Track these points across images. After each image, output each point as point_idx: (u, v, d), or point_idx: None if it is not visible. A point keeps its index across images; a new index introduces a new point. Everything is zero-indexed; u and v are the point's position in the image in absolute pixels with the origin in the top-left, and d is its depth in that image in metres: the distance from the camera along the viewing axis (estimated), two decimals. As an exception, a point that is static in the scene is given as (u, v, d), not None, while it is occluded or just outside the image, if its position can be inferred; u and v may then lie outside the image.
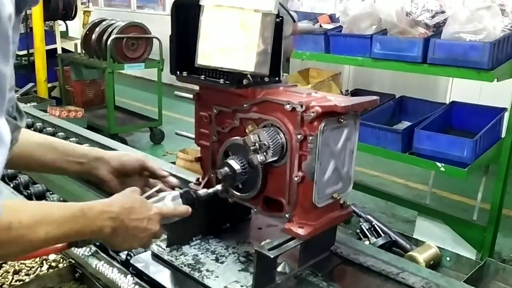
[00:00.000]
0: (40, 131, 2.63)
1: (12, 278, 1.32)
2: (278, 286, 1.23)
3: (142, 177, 1.35)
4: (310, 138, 1.14)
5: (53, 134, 2.57)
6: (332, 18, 3.92)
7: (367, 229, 1.73)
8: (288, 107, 1.16)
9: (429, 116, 3.08)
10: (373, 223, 1.75)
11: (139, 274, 1.32)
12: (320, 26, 3.84)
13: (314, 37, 3.52)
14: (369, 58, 3.18)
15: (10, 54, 0.79)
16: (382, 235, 1.71)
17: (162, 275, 1.30)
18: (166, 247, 1.39)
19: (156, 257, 1.37)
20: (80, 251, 1.40)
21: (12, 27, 0.79)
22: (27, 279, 1.31)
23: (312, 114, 1.12)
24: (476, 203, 3.52)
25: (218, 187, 1.32)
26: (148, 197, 1.18)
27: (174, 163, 3.21)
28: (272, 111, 1.21)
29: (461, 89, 4.60)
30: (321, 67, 4.03)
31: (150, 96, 7.25)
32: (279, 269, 1.28)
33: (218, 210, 1.48)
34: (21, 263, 1.38)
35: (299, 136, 1.15)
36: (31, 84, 5.82)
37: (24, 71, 6.48)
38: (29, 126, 2.71)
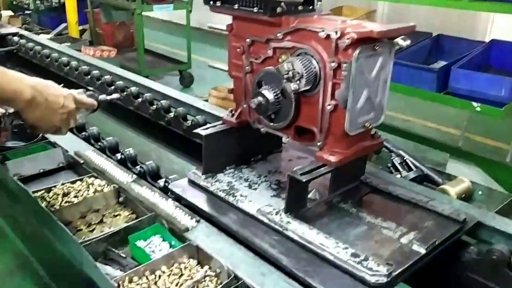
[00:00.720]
0: (76, 69, 2.69)
1: (62, 200, 1.41)
2: (309, 211, 1.29)
3: None
4: (344, 65, 1.14)
5: (88, 73, 2.63)
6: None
7: (398, 164, 1.74)
8: (322, 34, 1.15)
9: (467, 55, 2.98)
10: (405, 158, 1.75)
11: (177, 199, 1.39)
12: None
13: (348, -27, 3.39)
14: (405, -7, 3.06)
15: None
16: (414, 169, 1.72)
17: (198, 199, 1.37)
18: (202, 174, 1.46)
19: (192, 183, 1.44)
20: (123, 178, 1.48)
21: None
22: (75, 201, 1.40)
23: (347, 41, 1.11)
24: (510, 146, 3.47)
25: (114, 96, 1.57)
26: None
27: (206, 100, 3.25)
28: (306, 39, 1.20)
29: (503, 27, 4.38)
30: (354, 4, 3.90)
31: (178, 40, 7.22)
32: (310, 195, 1.33)
33: (250, 141, 1.52)
34: (69, 187, 1.47)
35: (333, 64, 1.15)
36: (64, 25, 5.88)
37: (56, 13, 6.53)
38: (65, 65, 2.78)
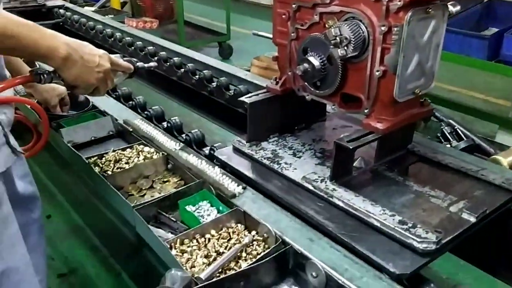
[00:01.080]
0: (120, 40, 2.74)
1: (114, 166, 1.46)
2: (354, 178, 1.28)
3: None
4: (395, 29, 1.10)
5: (132, 44, 2.67)
6: None
7: (448, 133, 1.69)
8: (372, -3, 1.12)
9: (521, 21, 2.82)
10: (456, 127, 1.69)
11: (222, 166, 1.42)
12: None
13: None
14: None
15: None
16: (465, 139, 1.66)
17: (243, 166, 1.39)
18: (246, 142, 1.47)
19: (237, 151, 1.46)
20: (171, 146, 1.51)
21: None
22: (126, 167, 1.45)
23: (398, 3, 1.08)
24: None
25: (152, 64, 1.56)
26: None
27: (248, 70, 3.25)
28: (355, 3, 1.17)
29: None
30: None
31: (217, 12, 7.18)
32: (355, 164, 1.32)
33: (294, 109, 1.52)
34: (120, 153, 1.52)
35: (383, 28, 1.12)
36: (106, -3, 5.97)
37: (97, -13, 6.60)
38: (109, 36, 2.84)
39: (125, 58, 1.42)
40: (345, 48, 1.17)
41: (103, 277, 2.41)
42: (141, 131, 1.62)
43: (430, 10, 1.12)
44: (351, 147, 1.16)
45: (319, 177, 1.27)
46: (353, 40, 1.16)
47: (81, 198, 2.98)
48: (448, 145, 1.69)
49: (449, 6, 1.26)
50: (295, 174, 1.31)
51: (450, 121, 1.76)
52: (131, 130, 1.64)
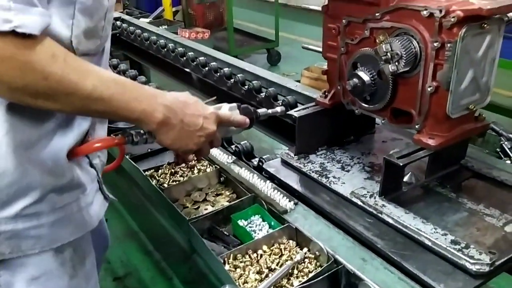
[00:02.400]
0: (172, 51, 2.84)
1: (170, 179, 1.52)
2: (404, 194, 1.27)
3: None
4: (448, 45, 1.08)
5: (183, 54, 2.76)
6: None
7: (509, 148, 1.61)
8: (425, 13, 1.11)
9: None
10: None
11: (270, 178, 1.44)
12: None
13: None
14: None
15: None
16: None
17: (292, 179, 1.41)
18: (294, 155, 1.49)
19: (285, 163, 1.48)
20: (224, 159, 1.55)
21: None
22: (181, 180, 1.51)
23: (452, 19, 1.06)
24: None
25: (278, 109, 1.35)
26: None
27: (299, 81, 3.27)
28: (407, 19, 1.16)
29: None
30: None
31: (266, 17, 7.25)
32: (405, 179, 1.30)
33: (343, 122, 1.52)
34: (174, 168, 1.57)
35: (435, 44, 1.11)
36: (161, 8, 6.17)
37: (150, -3, 6.85)
38: (162, 47, 2.95)
39: (243, 106, 1.23)
40: (396, 63, 1.17)
41: (156, 281, 2.51)
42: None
43: (485, 25, 1.09)
44: (401, 164, 1.15)
45: (368, 192, 1.26)
46: (405, 55, 1.16)
47: (136, 203, 3.11)
48: (508, 161, 1.61)
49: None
50: (344, 188, 1.31)
51: (511, 135, 1.68)
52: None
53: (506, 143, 1.66)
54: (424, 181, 1.32)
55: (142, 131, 1.05)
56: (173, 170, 1.55)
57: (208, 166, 1.56)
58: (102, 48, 1.04)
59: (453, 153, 1.34)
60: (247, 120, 1.21)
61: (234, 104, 1.20)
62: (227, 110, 1.19)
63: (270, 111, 1.30)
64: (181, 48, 2.84)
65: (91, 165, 1.08)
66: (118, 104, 0.90)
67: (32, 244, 0.95)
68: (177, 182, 1.49)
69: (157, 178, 1.52)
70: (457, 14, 1.05)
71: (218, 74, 2.43)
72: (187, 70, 2.66)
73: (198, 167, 1.56)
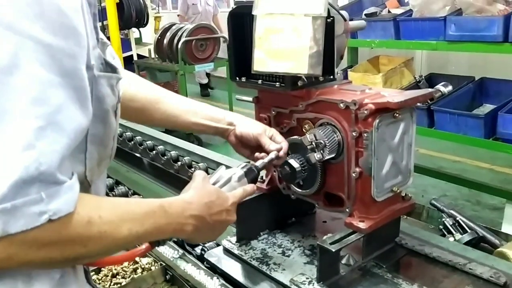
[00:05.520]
0: (120, 135, 2.86)
1: (111, 282, 1.47)
2: (342, 278, 1.28)
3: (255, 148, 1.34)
4: (365, 135, 1.16)
5: (132, 138, 2.78)
6: (401, 2, 3.80)
7: (451, 225, 1.66)
8: (342, 105, 1.20)
9: (514, 98, 2.90)
10: (457, 218, 1.67)
11: (212, 268, 1.43)
12: (389, 11, 3.73)
13: (383, 23, 3.44)
14: (444, 41, 3.05)
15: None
16: (468, 230, 1.63)
17: (233, 268, 1.40)
18: (236, 242, 1.49)
19: (227, 251, 1.48)
20: (169, 254, 1.52)
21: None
22: (123, 282, 1.46)
23: (365, 112, 1.15)
24: None
25: (272, 155, 1.29)
26: (216, 182, 1.16)
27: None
28: (327, 110, 1.25)
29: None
30: (391, 54, 3.90)
31: (220, 93, 7.48)
32: (343, 261, 1.32)
33: (284, 205, 1.55)
34: (115, 268, 1.53)
35: (354, 133, 1.18)
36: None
37: (105, 79, 6.95)
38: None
39: (247, 168, 1.21)
40: (322, 151, 1.23)
41: None
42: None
43: (397, 114, 1.18)
44: (333, 250, 1.18)
45: (307, 278, 1.27)
46: (328, 144, 1.22)
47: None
48: (452, 238, 1.65)
49: (441, 87, 1.34)
50: (284, 275, 1.31)
51: (452, 211, 1.74)
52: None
53: (447, 219, 1.73)
54: (361, 262, 1.34)
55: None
56: (114, 272, 1.50)
57: (152, 263, 1.53)
58: None
59: (386, 232, 1.38)
60: (255, 187, 1.22)
61: (242, 173, 1.19)
62: (236, 181, 1.18)
63: (266, 160, 1.27)
64: (129, 133, 2.87)
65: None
66: (151, 232, 0.90)
67: None
68: (119, 285, 1.43)
69: (98, 282, 1.46)
70: (369, 107, 1.14)
71: (165, 157, 2.46)
72: (137, 154, 2.67)
73: (142, 266, 1.52)
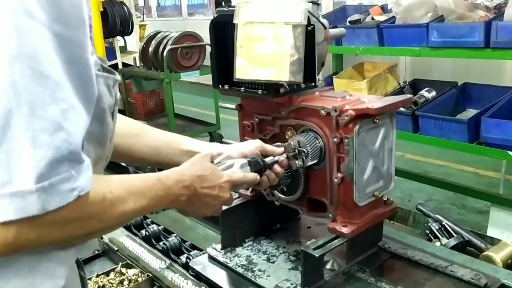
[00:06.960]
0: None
1: (98, 295, 1.46)
2: (326, 283, 1.29)
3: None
4: (346, 140, 1.18)
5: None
6: (384, 9, 3.85)
7: (437, 230, 1.68)
8: (323, 112, 1.21)
9: (497, 103, 2.94)
10: (443, 223, 1.69)
11: (198, 276, 1.43)
12: (372, 18, 3.78)
13: (367, 30, 3.48)
14: (427, 48, 3.09)
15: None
16: (454, 235, 1.65)
17: (218, 276, 1.40)
18: (221, 249, 1.49)
19: (212, 259, 1.48)
20: (156, 265, 1.51)
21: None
22: (111, 294, 1.45)
23: (346, 118, 1.16)
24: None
25: (282, 156, 1.27)
26: (217, 164, 1.17)
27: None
28: (309, 117, 1.26)
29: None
30: (375, 60, 3.95)
31: (206, 101, 7.47)
32: (327, 266, 1.33)
33: (267, 212, 1.56)
34: (103, 279, 1.52)
35: (335, 139, 1.20)
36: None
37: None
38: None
39: (252, 161, 1.20)
40: (304, 158, 1.24)
41: None
42: (127, 250, 1.63)
43: (377, 120, 1.20)
44: (317, 255, 1.19)
45: (292, 284, 1.27)
46: (310, 150, 1.24)
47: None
48: (438, 243, 1.67)
49: (425, 92, 1.36)
50: (269, 282, 1.32)
51: (438, 216, 1.77)
52: (116, 249, 1.66)
53: (433, 224, 1.74)
54: (345, 267, 1.35)
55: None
56: (101, 284, 1.49)
57: (139, 275, 1.52)
58: None
59: (369, 237, 1.39)
60: (258, 177, 1.21)
61: (245, 161, 1.20)
62: (239, 168, 1.18)
63: (276, 158, 1.26)
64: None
65: None
66: (154, 204, 0.96)
67: None
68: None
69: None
70: (350, 113, 1.16)
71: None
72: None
73: (129, 278, 1.51)
